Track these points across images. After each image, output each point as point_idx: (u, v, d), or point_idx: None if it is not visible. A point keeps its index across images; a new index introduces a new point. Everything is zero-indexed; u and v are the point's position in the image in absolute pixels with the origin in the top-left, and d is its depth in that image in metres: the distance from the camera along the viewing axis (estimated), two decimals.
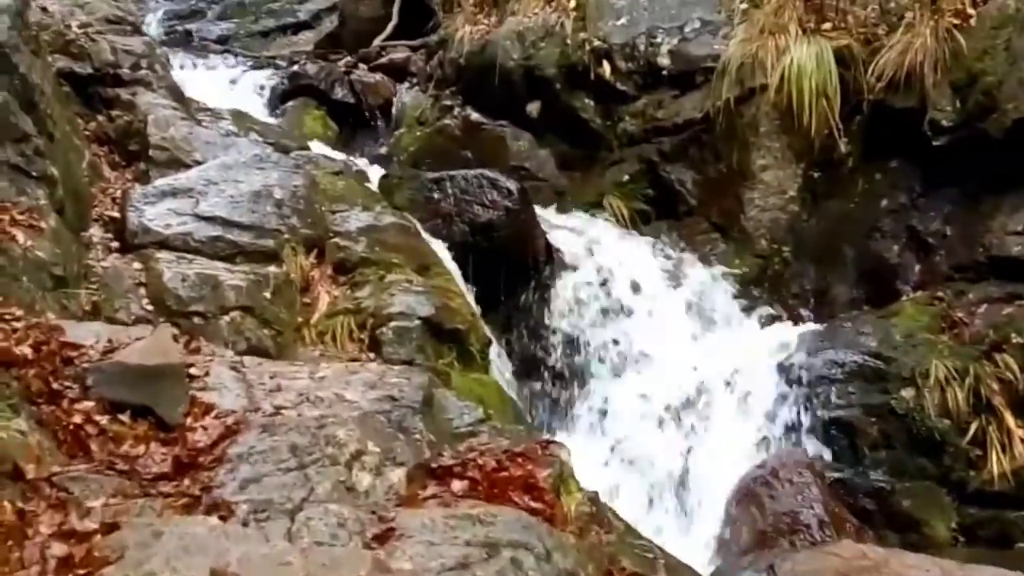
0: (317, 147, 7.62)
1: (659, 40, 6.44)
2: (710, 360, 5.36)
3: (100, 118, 6.22)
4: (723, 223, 5.96)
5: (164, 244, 4.96)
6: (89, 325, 3.81)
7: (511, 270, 5.91)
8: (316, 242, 5.25)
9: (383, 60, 8.84)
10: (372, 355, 4.76)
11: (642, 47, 6.49)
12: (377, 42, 9.46)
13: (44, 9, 6.56)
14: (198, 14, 12.48)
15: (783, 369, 5.01)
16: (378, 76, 8.57)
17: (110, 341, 3.53)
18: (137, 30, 6.66)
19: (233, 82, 8.78)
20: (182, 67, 9.15)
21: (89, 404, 3.21)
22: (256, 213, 5.20)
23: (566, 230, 6.21)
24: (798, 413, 4.82)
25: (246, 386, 3.65)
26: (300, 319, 4.90)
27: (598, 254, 5.98)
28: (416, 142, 7.62)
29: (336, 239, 5.32)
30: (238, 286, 4.71)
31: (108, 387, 3.30)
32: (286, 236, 5.15)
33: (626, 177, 6.42)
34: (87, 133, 6.11)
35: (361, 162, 7.51)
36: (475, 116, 7.23)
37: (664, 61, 6.42)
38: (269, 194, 5.32)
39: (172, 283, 4.69)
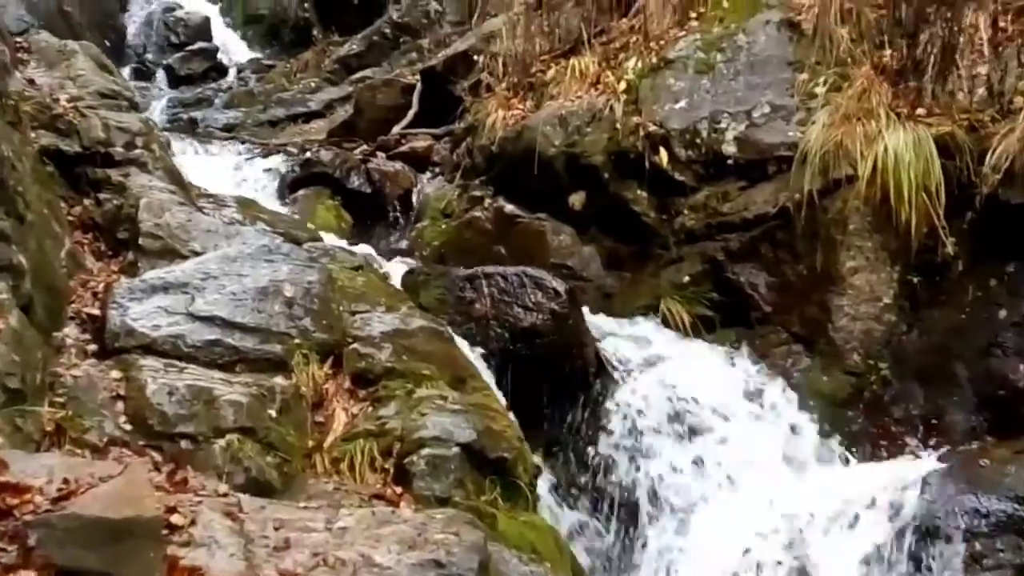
0: (331, 240, 6.87)
1: (724, 126, 5.72)
2: (800, 499, 4.45)
3: (87, 202, 5.44)
4: (806, 333, 5.11)
5: (150, 349, 4.10)
6: (41, 458, 2.94)
7: (556, 383, 5.05)
8: (332, 348, 4.40)
9: (403, 148, 8.15)
10: (399, 489, 3.85)
11: (704, 133, 5.77)
12: (397, 130, 8.79)
13: (31, 82, 5.87)
14: (204, 102, 11.95)
15: (898, 514, 4.10)
16: (398, 165, 7.86)
17: (67, 481, 2.66)
18: (133, 106, 5.96)
19: (238, 168, 8.07)
20: (184, 152, 8.50)
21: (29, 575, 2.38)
22: (262, 313, 4.36)
23: (618, 337, 5.36)
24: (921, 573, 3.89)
25: (244, 540, 2.79)
26: (311, 442, 4.01)
27: (658, 366, 5.12)
28: (441, 236, 6.85)
29: (356, 345, 4.46)
30: (237, 402, 3.83)
31: (58, 548, 2.49)
32: (297, 341, 4.30)
33: (686, 278, 5.61)
34: (71, 218, 5.32)
35: (379, 260, 6.75)
36: (509, 208, 6.47)
37: (730, 149, 5.68)
38: (278, 291, 4.49)
39: (157, 397, 3.82)
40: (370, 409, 4.18)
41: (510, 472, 4.00)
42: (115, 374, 3.99)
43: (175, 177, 5.69)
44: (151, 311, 4.28)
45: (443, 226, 6.90)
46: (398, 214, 7.63)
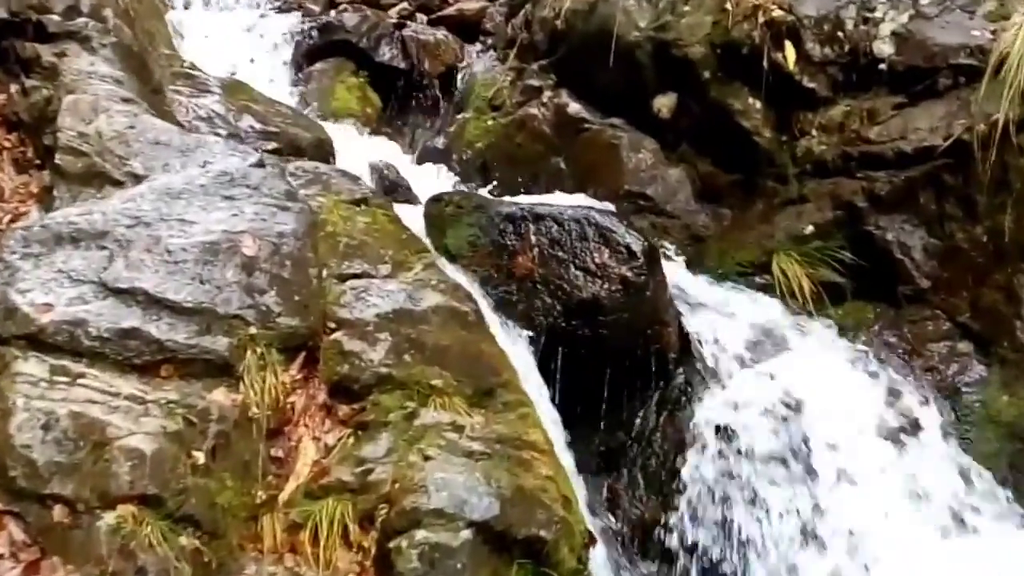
0: (345, 134, 5.45)
1: (879, 15, 4.08)
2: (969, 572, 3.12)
3: (13, 88, 4.08)
4: (980, 328, 3.63)
5: (37, 340, 2.83)
6: None
7: (622, 373, 3.70)
8: (305, 340, 3.08)
9: (449, 11, 6.57)
10: None
11: (849, 24, 4.14)
12: None
13: None
14: None
15: None
16: (440, 33, 6.31)
17: None
18: None
19: (249, 30, 6.57)
20: (189, 6, 7.03)
21: None
22: (206, 285, 3.04)
23: (712, 311, 3.94)
24: None
25: None
26: (261, 494, 2.75)
27: (764, 360, 3.72)
28: (486, 135, 5.37)
29: (340, 335, 3.13)
30: (138, 451, 2.56)
31: None
32: (252, 329, 2.98)
33: (809, 227, 4.11)
34: None
35: (404, 161, 5.32)
36: (574, 107, 4.94)
37: (885, 49, 4.05)
38: (234, 248, 3.14)
39: (25, 433, 2.57)
40: (351, 441, 2.89)
41: (549, 557, 2.70)
42: None
43: (130, 56, 4.26)
44: (48, 278, 2.98)
45: (489, 122, 5.41)
46: (438, 97, 6.15)
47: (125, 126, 3.68)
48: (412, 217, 4.11)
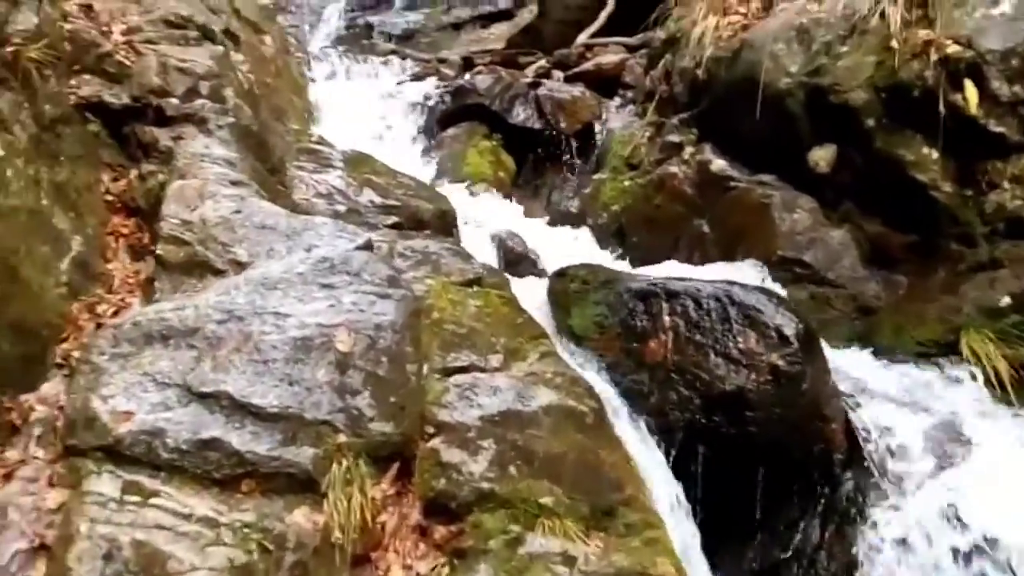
0: (475, 200, 5.17)
1: None
2: None
3: (133, 173, 4.01)
4: None
5: (113, 451, 2.62)
6: None
7: (776, 479, 3.16)
8: (399, 448, 2.73)
9: (587, 65, 6.23)
10: None
11: None
12: (582, 39, 6.87)
13: (88, 8, 4.44)
14: (383, 4, 10.44)
15: None
16: (577, 90, 5.96)
17: None
18: (208, 36, 4.40)
19: (388, 97, 6.45)
20: (334, 76, 7.02)
21: None
22: (295, 386, 2.75)
23: (885, 400, 3.34)
24: None
25: None
26: None
27: (956, 462, 3.08)
28: (622, 196, 4.95)
29: (438, 441, 2.77)
30: None
31: None
32: (341, 437, 2.67)
33: (1004, 298, 3.46)
34: (109, 197, 3.93)
35: (537, 226, 4.98)
36: (718, 163, 4.46)
37: None
38: (327, 344, 2.85)
39: (83, 566, 2.32)
40: (446, 571, 2.50)
41: None
42: (51, 497, 2.54)
43: (247, 136, 4.12)
44: (133, 381, 2.78)
45: (626, 182, 5.00)
46: (574, 157, 5.79)
47: (231, 211, 3.49)
48: (536, 294, 3.75)
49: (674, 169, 4.65)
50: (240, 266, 3.32)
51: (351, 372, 2.82)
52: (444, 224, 4.40)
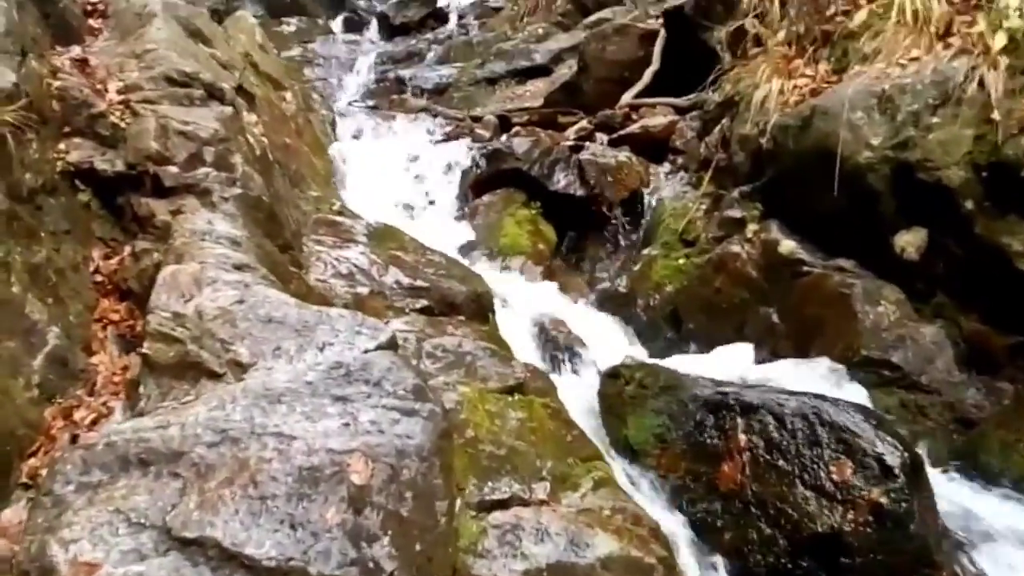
0: (512, 279, 4.70)
1: None
2: None
3: (127, 250, 3.58)
4: None
5: None
6: None
7: None
8: None
9: (633, 128, 5.79)
10: None
11: None
12: (627, 98, 6.43)
13: (83, 63, 4.06)
14: (415, 56, 10.15)
15: None
16: (623, 154, 5.51)
17: None
18: (216, 95, 3.99)
19: (415, 160, 6.03)
20: (360, 136, 6.65)
21: None
22: (298, 531, 2.26)
23: (1002, 539, 2.79)
24: None
25: None
26: None
27: None
28: (677, 276, 4.46)
29: None
30: None
31: None
32: None
33: None
34: (99, 277, 3.50)
35: (580, 309, 4.49)
36: (787, 244, 3.96)
37: None
38: (340, 475, 2.36)
39: None
40: None
41: None
42: None
43: (256, 209, 3.68)
44: (102, 520, 2.30)
45: (680, 260, 4.50)
46: (619, 229, 5.32)
47: (232, 301, 3.03)
48: (585, 396, 3.25)
49: (736, 248, 4.16)
50: (241, 368, 2.85)
51: (368, 512, 2.32)
52: (479, 308, 3.93)
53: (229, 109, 3.99)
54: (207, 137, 3.74)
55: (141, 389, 2.84)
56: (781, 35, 4.75)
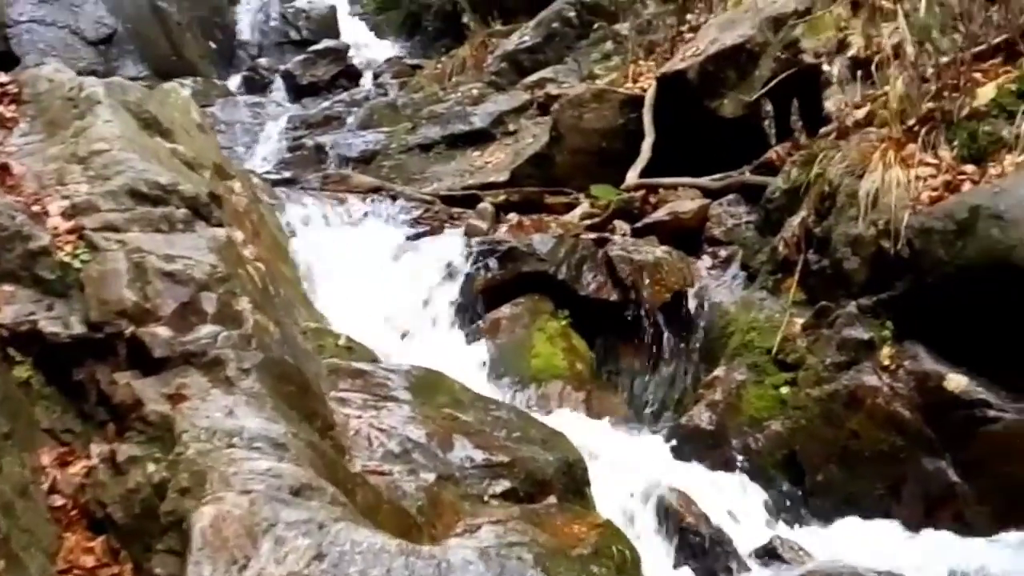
0: (572, 420, 3.73)
1: None
2: None
3: (95, 451, 2.42)
4: None
5: None
6: None
7: None
8: None
9: (659, 215, 4.90)
10: None
11: None
12: (632, 178, 5.54)
13: (4, 169, 2.88)
14: (334, 121, 8.95)
15: None
16: (659, 249, 4.61)
17: None
18: (202, 214, 2.88)
19: (397, 258, 4.95)
20: (308, 224, 5.46)
21: None
22: None
23: None
24: None
25: None
26: None
27: None
28: (783, 412, 3.59)
29: None
30: None
31: None
32: None
33: None
34: (56, 496, 2.34)
35: (642, 445, 3.56)
36: (956, 380, 3.14)
37: None
38: None
39: None
40: None
41: None
42: None
43: (283, 380, 2.57)
44: None
45: (783, 390, 3.63)
46: (661, 338, 4.39)
47: (308, 559, 1.94)
48: None
49: (871, 379, 3.32)
50: None
51: None
52: (572, 482, 2.97)
53: (222, 232, 2.88)
54: (203, 278, 2.63)
55: None
56: (860, 113, 4.02)
